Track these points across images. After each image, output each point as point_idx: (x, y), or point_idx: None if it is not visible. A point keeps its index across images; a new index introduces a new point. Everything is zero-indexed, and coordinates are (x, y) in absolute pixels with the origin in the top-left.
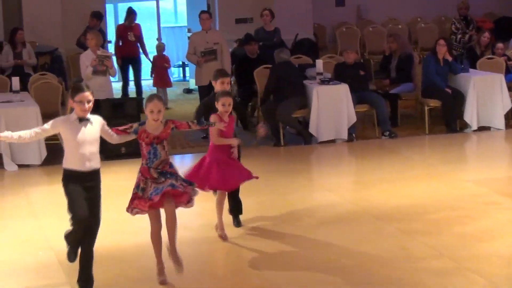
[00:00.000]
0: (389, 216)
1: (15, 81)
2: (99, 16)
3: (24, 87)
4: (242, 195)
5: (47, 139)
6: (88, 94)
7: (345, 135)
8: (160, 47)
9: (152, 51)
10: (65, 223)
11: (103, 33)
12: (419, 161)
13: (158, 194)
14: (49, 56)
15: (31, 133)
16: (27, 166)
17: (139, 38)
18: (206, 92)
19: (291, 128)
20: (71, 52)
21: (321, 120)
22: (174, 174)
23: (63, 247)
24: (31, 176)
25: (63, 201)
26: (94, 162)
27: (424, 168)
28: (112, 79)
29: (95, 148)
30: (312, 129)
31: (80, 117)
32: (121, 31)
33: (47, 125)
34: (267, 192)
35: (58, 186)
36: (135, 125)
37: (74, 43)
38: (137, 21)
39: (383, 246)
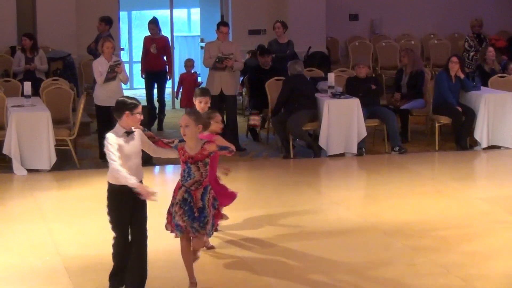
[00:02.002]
0: (397, 231)
1: (27, 86)
2: (109, 21)
3: (35, 92)
4: (251, 207)
5: (57, 144)
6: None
7: (354, 149)
8: (189, 63)
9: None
10: (73, 229)
11: (112, 40)
12: (428, 177)
13: (179, 233)
14: (61, 62)
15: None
16: (36, 171)
17: (165, 51)
18: (217, 101)
19: (301, 141)
20: (84, 58)
21: (331, 134)
22: (201, 211)
23: (71, 253)
24: (40, 181)
25: (72, 206)
26: (140, 175)
27: (433, 184)
28: (124, 86)
29: (139, 160)
30: (322, 142)
31: (127, 131)
32: (146, 42)
33: (114, 153)
34: (276, 204)
35: (67, 191)
36: (176, 141)
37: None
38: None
39: (390, 262)
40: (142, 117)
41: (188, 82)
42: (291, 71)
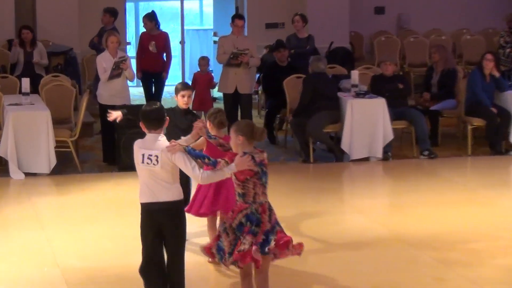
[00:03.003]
0: (425, 243)
1: (25, 82)
2: (114, 12)
3: (34, 89)
4: None
5: (57, 146)
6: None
7: (380, 154)
8: (203, 62)
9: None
10: (73, 238)
11: (118, 33)
12: (459, 185)
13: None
14: (63, 57)
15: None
16: (35, 174)
17: (165, 50)
18: (231, 100)
19: (321, 144)
20: (87, 53)
21: (355, 136)
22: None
23: (70, 264)
24: (39, 186)
25: (72, 213)
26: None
27: (465, 192)
28: (130, 83)
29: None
30: (344, 146)
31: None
32: (143, 40)
33: (189, 159)
34: (293, 213)
35: (67, 197)
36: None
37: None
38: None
39: (416, 276)
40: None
41: (202, 82)
42: (313, 68)
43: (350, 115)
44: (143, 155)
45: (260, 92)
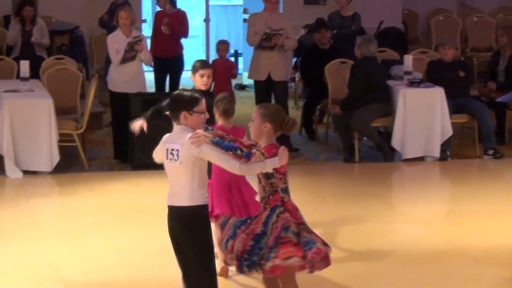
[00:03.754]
0: (490, 258)
1: (24, 65)
2: None
3: (35, 74)
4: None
5: (61, 140)
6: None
7: (437, 152)
8: (222, 47)
9: (195, 36)
10: (77, 249)
11: (131, 9)
12: None
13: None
14: (67, 36)
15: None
16: (34, 173)
17: (181, 32)
18: (263, 89)
19: (368, 141)
20: (96, 32)
21: (408, 132)
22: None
23: (74, 278)
24: (39, 186)
25: (76, 219)
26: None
27: None
28: (146, 67)
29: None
30: (395, 143)
31: None
32: (158, 19)
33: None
34: (336, 220)
35: (71, 200)
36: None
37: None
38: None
39: None
40: (207, 115)
41: (221, 70)
42: (363, 51)
43: (403, 107)
44: (167, 150)
45: (297, 79)
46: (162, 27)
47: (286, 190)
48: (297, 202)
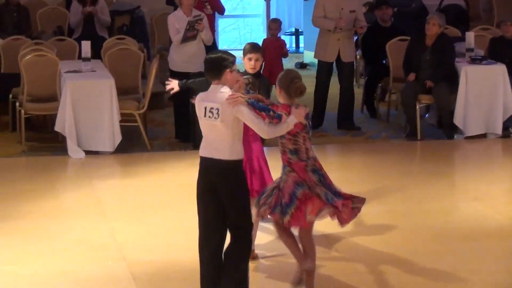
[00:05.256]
0: None
1: (86, 46)
2: None
3: (96, 54)
4: (368, 203)
5: (123, 120)
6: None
7: (499, 130)
8: (274, 26)
9: (255, 15)
10: (140, 228)
11: None
12: None
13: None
14: (128, 16)
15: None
16: (96, 153)
17: (219, 8)
18: (328, 70)
19: (430, 118)
20: (157, 11)
21: (470, 109)
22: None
23: (138, 257)
24: (101, 166)
25: (139, 199)
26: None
27: None
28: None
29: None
30: (457, 120)
31: None
32: (199, 1)
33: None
34: (399, 199)
35: (133, 180)
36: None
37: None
38: None
39: None
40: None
41: (273, 50)
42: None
43: (464, 84)
44: (205, 108)
45: (358, 57)
46: (204, 9)
47: (295, 152)
48: (357, 182)
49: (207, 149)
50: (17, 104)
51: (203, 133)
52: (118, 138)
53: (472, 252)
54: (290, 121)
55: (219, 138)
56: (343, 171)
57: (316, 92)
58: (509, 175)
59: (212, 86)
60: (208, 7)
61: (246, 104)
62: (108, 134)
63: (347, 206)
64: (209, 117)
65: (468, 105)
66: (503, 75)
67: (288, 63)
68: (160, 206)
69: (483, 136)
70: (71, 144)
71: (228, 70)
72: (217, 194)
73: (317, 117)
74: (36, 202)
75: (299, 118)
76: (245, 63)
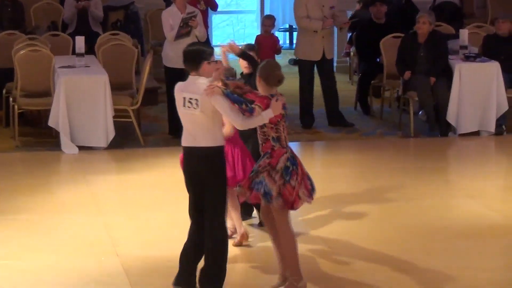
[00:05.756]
0: None
1: (80, 41)
2: None
3: (90, 50)
4: (359, 199)
5: (116, 115)
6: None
7: (492, 127)
8: (268, 22)
9: (249, 11)
10: (134, 223)
11: None
12: None
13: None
14: (123, 12)
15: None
16: (90, 148)
17: (212, 4)
18: (311, 69)
19: (423, 115)
20: (151, 7)
21: (463, 107)
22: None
23: (131, 253)
24: (95, 162)
25: (132, 195)
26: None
27: None
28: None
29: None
30: (450, 117)
31: None
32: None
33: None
34: (392, 196)
35: (127, 176)
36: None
37: None
38: None
39: None
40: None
41: (266, 46)
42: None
43: (458, 81)
44: (184, 98)
45: (352, 54)
46: (198, 5)
47: (277, 139)
48: (351, 179)
49: (187, 139)
50: (11, 99)
51: (183, 123)
52: (112, 134)
53: (465, 249)
54: (266, 116)
55: (198, 127)
56: (337, 168)
57: (303, 91)
58: (502, 173)
59: (191, 77)
60: (202, 3)
61: (222, 95)
62: (102, 130)
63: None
64: (188, 107)
65: (461, 102)
66: (496, 73)
67: (281, 60)
68: (153, 201)
69: (476, 133)
70: (64, 140)
71: (206, 62)
72: (201, 182)
73: (307, 116)
74: (30, 197)
75: (276, 111)
76: (240, 63)
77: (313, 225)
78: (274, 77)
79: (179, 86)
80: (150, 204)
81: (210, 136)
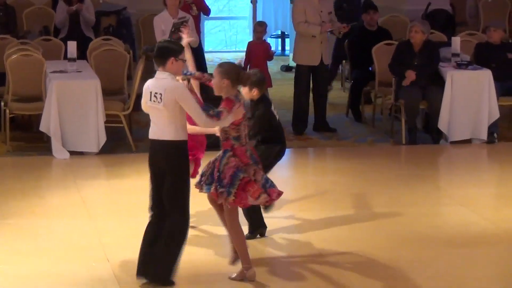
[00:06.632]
0: None
1: (72, 46)
2: None
3: (82, 55)
4: (351, 205)
5: (108, 121)
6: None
7: (484, 135)
8: (260, 29)
9: (242, 17)
10: (125, 229)
11: None
12: None
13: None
14: (115, 17)
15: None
16: (81, 153)
17: (204, 9)
18: (307, 74)
19: (417, 123)
20: (143, 12)
21: (455, 114)
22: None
23: (122, 258)
24: (86, 167)
25: (123, 200)
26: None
27: None
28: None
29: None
30: (442, 125)
31: None
32: (185, 3)
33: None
34: (384, 203)
35: (116, 180)
36: None
37: (146, 1)
38: None
39: None
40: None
41: (258, 53)
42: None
43: (450, 89)
44: (150, 92)
45: (344, 61)
46: (190, 10)
47: (238, 138)
48: (342, 186)
49: (153, 132)
50: (2, 103)
51: (150, 117)
52: (103, 139)
53: (457, 257)
54: (226, 121)
55: (164, 120)
56: (328, 175)
57: (299, 96)
58: (494, 181)
59: (158, 73)
60: (194, 8)
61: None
62: (93, 135)
63: (279, 195)
64: (154, 101)
65: (453, 110)
66: (488, 81)
67: (273, 66)
68: (144, 207)
69: (468, 141)
70: (56, 144)
71: (173, 58)
72: (162, 175)
73: (301, 122)
74: (20, 202)
75: (236, 117)
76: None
77: (304, 231)
78: (246, 76)
79: (148, 82)
80: (140, 210)
81: (173, 129)
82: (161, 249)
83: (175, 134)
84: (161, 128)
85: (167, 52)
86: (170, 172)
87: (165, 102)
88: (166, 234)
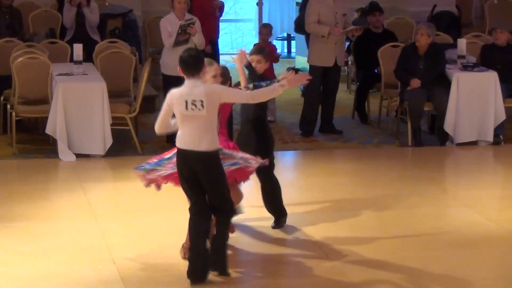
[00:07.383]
0: None
1: (78, 48)
2: None
3: (88, 57)
4: (356, 207)
5: (114, 123)
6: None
7: (490, 137)
8: (265, 31)
9: (247, 20)
10: (131, 231)
11: None
12: None
13: None
14: (121, 20)
15: None
16: (87, 156)
17: (221, 12)
18: (321, 76)
19: (422, 124)
20: (149, 15)
21: (461, 116)
22: None
23: (128, 260)
24: (92, 169)
25: (130, 202)
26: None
27: None
28: None
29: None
30: (448, 127)
31: None
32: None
33: None
34: (390, 205)
35: (123, 183)
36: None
37: (153, 3)
38: None
39: None
40: None
41: None
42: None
43: (456, 91)
44: (186, 101)
45: (350, 63)
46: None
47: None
48: (349, 187)
49: (185, 142)
50: (9, 106)
51: (182, 126)
52: (109, 142)
53: (462, 259)
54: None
55: (201, 129)
56: (334, 176)
57: (309, 98)
58: (500, 182)
59: (190, 81)
60: (216, 1)
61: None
62: (99, 137)
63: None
64: (192, 109)
65: (459, 112)
66: (494, 82)
67: (280, 68)
68: (150, 209)
69: (474, 143)
70: (62, 147)
71: (204, 67)
72: (199, 183)
73: (309, 124)
74: (27, 204)
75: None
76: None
77: (309, 232)
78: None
79: (177, 91)
80: (146, 212)
81: (210, 139)
82: (218, 241)
83: (211, 144)
84: (197, 138)
85: (202, 61)
86: (208, 181)
87: (208, 107)
88: (220, 227)
